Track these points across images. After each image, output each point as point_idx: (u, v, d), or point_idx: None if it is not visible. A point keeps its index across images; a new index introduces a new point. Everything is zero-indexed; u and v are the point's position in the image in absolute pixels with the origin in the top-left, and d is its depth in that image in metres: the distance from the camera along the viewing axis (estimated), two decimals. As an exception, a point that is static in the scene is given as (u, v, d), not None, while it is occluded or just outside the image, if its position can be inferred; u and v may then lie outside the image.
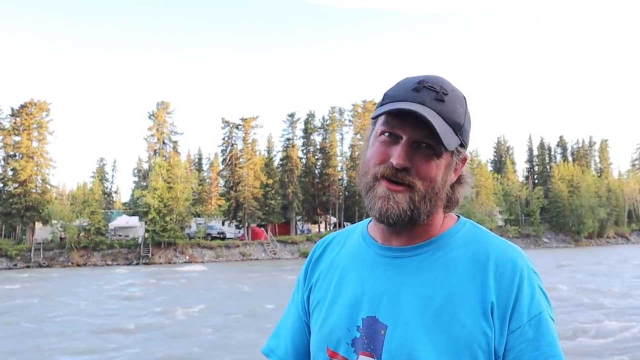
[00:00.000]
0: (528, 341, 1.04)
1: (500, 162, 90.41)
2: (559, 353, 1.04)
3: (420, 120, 1.03)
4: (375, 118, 1.13)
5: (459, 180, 1.16)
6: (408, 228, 1.11)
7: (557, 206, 77.12)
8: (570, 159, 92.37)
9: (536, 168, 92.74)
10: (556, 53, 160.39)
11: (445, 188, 1.11)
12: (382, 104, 1.13)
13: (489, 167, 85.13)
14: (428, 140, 1.05)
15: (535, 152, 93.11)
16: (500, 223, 71.74)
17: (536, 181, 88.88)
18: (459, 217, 1.20)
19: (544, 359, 1.03)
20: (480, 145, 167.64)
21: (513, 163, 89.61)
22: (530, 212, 76.65)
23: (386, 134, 1.09)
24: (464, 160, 1.15)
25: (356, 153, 71.46)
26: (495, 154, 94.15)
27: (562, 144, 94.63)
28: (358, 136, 72.23)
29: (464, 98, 1.13)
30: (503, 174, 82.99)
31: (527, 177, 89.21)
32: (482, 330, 1.04)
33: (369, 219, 1.25)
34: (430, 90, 1.08)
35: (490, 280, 1.06)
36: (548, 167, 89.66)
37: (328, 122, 73.36)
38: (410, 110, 1.03)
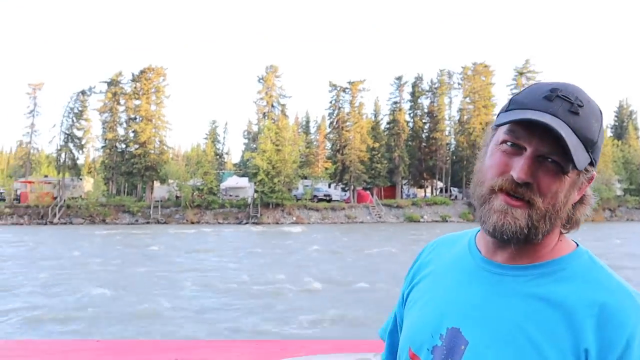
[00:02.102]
0: None
1: (622, 128, 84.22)
2: None
3: (549, 133, 0.94)
4: (500, 125, 1.03)
5: (582, 200, 1.05)
6: (519, 245, 1.02)
7: (686, 175, 70.93)
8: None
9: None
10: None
11: (567, 207, 1.02)
12: (507, 109, 1.04)
13: (609, 133, 79.59)
14: (555, 156, 0.96)
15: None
16: (619, 192, 67.06)
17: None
18: (577, 245, 1.09)
19: None
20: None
21: (636, 129, 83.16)
22: (655, 182, 71.03)
23: (509, 144, 1.00)
24: (591, 179, 1.04)
25: (465, 117, 69.32)
26: (616, 118, 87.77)
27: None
28: (467, 100, 69.93)
29: (600, 112, 1.03)
30: (624, 140, 77.28)
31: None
32: None
33: (478, 228, 1.14)
34: (565, 100, 0.98)
35: (590, 325, 0.93)
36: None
37: (436, 85, 71.46)
38: (539, 122, 0.94)
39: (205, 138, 78.19)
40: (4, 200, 58.06)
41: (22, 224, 52.42)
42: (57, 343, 2.75)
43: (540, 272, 1.02)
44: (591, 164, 1.00)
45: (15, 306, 12.49)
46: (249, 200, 58.47)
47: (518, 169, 0.97)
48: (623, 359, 0.90)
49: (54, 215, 54.28)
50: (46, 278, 16.40)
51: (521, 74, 72.04)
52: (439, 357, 1.05)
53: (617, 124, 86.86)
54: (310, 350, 2.23)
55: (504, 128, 1.02)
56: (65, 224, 53.11)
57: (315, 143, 73.79)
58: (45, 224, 52.66)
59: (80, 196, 58.05)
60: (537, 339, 0.95)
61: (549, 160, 0.97)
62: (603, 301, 0.94)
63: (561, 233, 1.06)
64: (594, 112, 1.01)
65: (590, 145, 0.98)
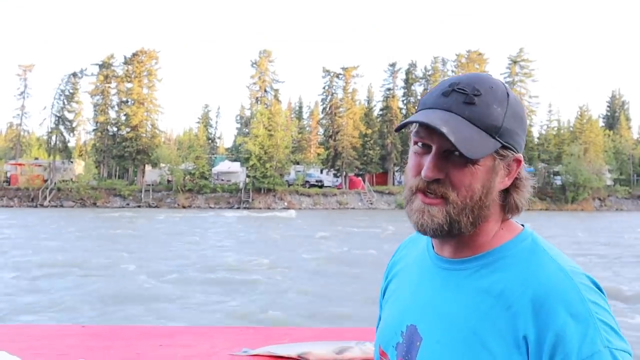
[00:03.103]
0: None
1: (614, 118, 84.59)
2: None
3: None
4: (398, 130, 1.08)
5: (515, 185, 1.04)
6: (455, 239, 1.04)
7: (675, 166, 71.46)
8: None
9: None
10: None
11: (492, 195, 1.01)
12: (416, 110, 1.07)
13: (601, 123, 79.85)
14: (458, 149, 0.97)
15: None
16: (609, 182, 67.52)
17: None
18: (523, 228, 1.08)
19: None
20: (591, 100, 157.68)
21: (628, 119, 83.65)
22: (644, 172, 71.55)
23: (419, 145, 1.03)
24: (518, 162, 1.03)
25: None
26: (608, 108, 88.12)
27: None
28: (461, 87, 69.90)
29: (508, 95, 1.02)
30: (616, 130, 77.68)
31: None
32: None
33: None
34: (460, 93, 0.99)
35: (527, 312, 0.93)
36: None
37: (430, 73, 71.44)
38: (420, 122, 0.99)
39: (198, 122, 77.94)
40: (-6, 182, 57.78)
41: (12, 207, 52.20)
42: (43, 328, 2.76)
43: (481, 263, 1.02)
44: (506, 147, 1.00)
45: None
46: (241, 185, 58.49)
47: (425, 167, 0.99)
48: (559, 343, 0.90)
49: (45, 198, 54.08)
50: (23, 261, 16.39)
51: (515, 62, 72.10)
52: (400, 354, 1.08)
53: (609, 114, 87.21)
54: (294, 337, 2.26)
55: (414, 129, 1.04)
56: (55, 206, 52.93)
57: (307, 129, 73.72)
58: (36, 206, 52.47)
59: (71, 179, 57.79)
60: (481, 332, 0.96)
61: (456, 153, 0.97)
62: (538, 286, 0.95)
63: (506, 220, 1.05)
64: (496, 97, 1.00)
65: (494, 130, 0.98)
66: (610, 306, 0.94)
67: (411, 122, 1.01)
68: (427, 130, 0.99)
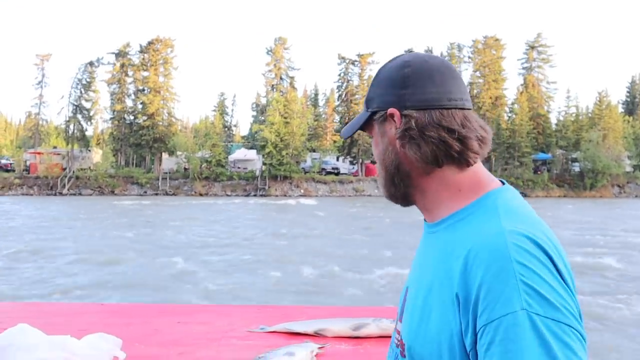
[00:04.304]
0: (484, 347, 0.86)
1: (634, 104, 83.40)
2: None
3: None
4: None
5: (410, 136, 1.04)
6: (418, 205, 1.12)
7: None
8: None
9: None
10: None
11: (400, 156, 1.07)
12: None
13: (620, 109, 78.68)
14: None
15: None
16: (629, 169, 66.59)
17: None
18: (497, 188, 1.07)
19: None
20: (610, 85, 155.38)
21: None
22: (665, 158, 70.37)
23: None
24: (390, 115, 1.07)
25: (475, 91, 68.76)
26: (628, 94, 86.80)
27: None
28: (477, 73, 69.31)
29: (383, 67, 1.12)
30: (636, 116, 76.54)
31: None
32: (447, 321, 0.94)
33: None
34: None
35: (460, 269, 0.93)
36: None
37: (446, 59, 70.47)
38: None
39: (214, 110, 78.10)
40: (13, 171, 58.40)
41: (31, 195, 52.83)
42: (62, 305, 2.80)
43: (446, 225, 1.05)
44: (375, 113, 1.09)
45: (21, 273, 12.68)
46: (257, 173, 58.60)
47: None
48: (478, 301, 0.89)
49: (63, 186, 54.65)
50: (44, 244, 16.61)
51: (533, 47, 71.21)
52: (399, 317, 1.13)
53: (628, 99, 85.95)
54: (310, 315, 2.27)
55: None
56: (74, 195, 53.49)
57: (323, 116, 73.57)
58: (55, 194, 53.06)
59: (89, 167, 58.33)
60: (433, 290, 0.99)
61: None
62: (473, 245, 0.94)
63: (454, 175, 1.05)
64: (376, 78, 1.12)
65: (365, 105, 1.13)
66: (555, 275, 0.89)
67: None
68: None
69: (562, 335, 0.84)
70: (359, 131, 1.13)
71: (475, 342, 0.89)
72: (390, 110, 1.06)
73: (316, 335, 2.02)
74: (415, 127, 1.03)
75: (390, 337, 1.55)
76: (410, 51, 59.43)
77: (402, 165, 1.07)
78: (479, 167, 1.07)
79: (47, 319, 2.19)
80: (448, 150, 1.03)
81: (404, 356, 1.05)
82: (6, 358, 1.40)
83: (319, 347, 1.81)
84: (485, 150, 1.06)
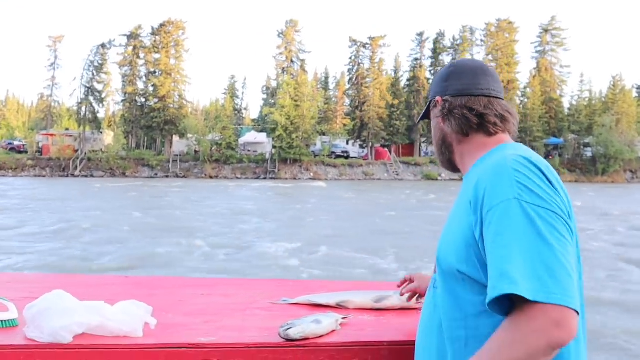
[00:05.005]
0: (487, 228, 1.12)
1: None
2: (509, 244, 1.06)
3: None
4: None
5: (447, 118, 1.43)
6: (460, 167, 1.46)
7: None
8: None
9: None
10: None
11: (442, 131, 1.46)
12: None
13: (634, 93, 77.78)
14: None
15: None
16: (642, 154, 65.90)
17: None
18: (507, 142, 1.39)
19: (491, 249, 1.09)
20: (625, 69, 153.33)
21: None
22: (680, 144, 69.54)
23: None
24: (436, 102, 1.46)
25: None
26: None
27: None
28: (490, 57, 68.67)
29: (440, 70, 1.49)
30: (650, 100, 75.55)
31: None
32: (463, 223, 1.21)
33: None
34: None
35: (472, 186, 1.22)
36: None
37: (458, 42, 70.17)
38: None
39: (224, 93, 78.11)
40: (26, 152, 58.85)
41: (44, 176, 53.24)
42: (87, 278, 2.84)
43: (470, 172, 1.37)
44: (430, 101, 1.51)
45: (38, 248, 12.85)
46: (267, 156, 58.68)
47: None
48: (486, 193, 1.15)
49: (75, 168, 55.02)
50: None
51: (546, 31, 70.43)
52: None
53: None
54: (332, 289, 2.30)
55: None
56: (86, 176, 53.85)
57: (334, 99, 73.31)
58: (67, 176, 53.45)
59: (101, 149, 58.63)
60: (457, 208, 1.29)
61: None
62: (484, 169, 1.24)
63: (491, 135, 1.38)
64: (434, 75, 1.53)
65: (428, 95, 1.55)
66: (545, 181, 1.14)
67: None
68: None
69: (547, 218, 1.07)
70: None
71: (482, 232, 1.14)
72: (437, 98, 1.45)
73: (338, 307, 2.05)
74: (448, 108, 1.41)
75: (411, 309, 1.96)
76: (422, 35, 59.03)
77: (445, 137, 1.45)
78: (505, 137, 1.38)
79: (74, 288, 2.23)
80: (469, 123, 1.37)
81: (436, 287, 1.33)
82: (45, 321, 1.44)
83: (343, 317, 1.84)
84: (507, 125, 1.38)
